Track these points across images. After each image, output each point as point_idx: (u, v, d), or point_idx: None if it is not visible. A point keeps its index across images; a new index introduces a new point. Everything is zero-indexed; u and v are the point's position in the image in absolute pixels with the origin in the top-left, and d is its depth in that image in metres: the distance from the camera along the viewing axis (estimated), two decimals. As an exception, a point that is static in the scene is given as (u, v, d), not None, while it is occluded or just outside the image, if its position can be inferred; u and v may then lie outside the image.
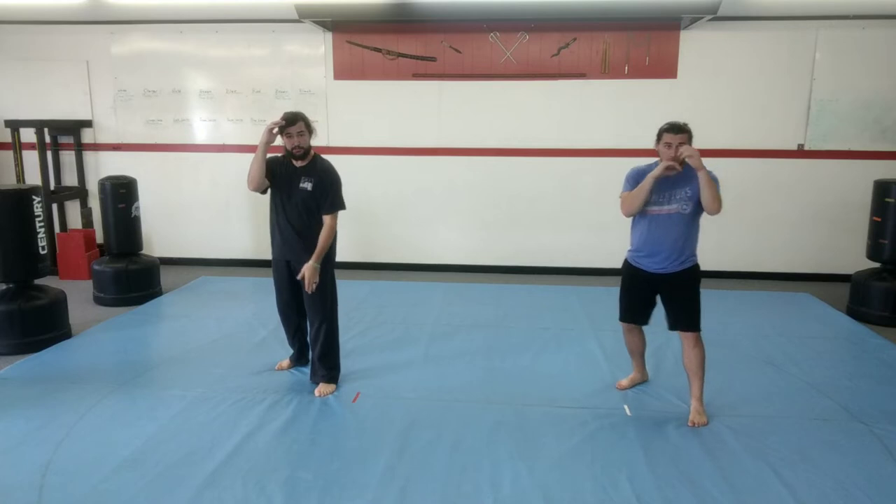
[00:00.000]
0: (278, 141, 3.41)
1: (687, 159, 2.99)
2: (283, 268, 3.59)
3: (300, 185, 3.41)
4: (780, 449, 2.97)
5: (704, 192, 3.02)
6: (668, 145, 3.08)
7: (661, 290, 3.29)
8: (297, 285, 3.53)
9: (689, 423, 3.19)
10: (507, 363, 4.01)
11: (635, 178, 3.21)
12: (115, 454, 2.87)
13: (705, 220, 3.18)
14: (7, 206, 4.12)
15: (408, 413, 3.31)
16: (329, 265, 3.54)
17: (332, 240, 3.49)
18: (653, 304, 3.38)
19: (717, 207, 3.04)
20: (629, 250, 3.37)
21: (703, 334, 3.24)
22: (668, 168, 3.06)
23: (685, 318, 3.24)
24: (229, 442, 2.98)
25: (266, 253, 3.79)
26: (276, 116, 3.44)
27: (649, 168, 3.18)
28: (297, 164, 3.44)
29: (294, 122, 3.37)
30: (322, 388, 3.54)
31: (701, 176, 3.00)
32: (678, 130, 3.08)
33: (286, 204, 3.47)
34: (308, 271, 3.37)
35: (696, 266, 3.25)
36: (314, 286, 3.40)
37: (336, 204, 3.48)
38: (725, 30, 5.74)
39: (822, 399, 3.53)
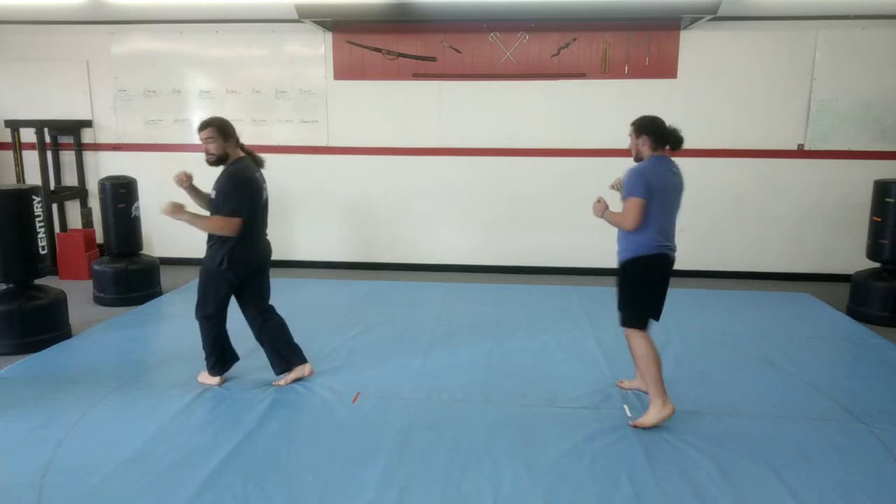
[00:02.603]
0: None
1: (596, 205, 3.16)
2: None
3: (212, 195, 3.30)
4: (780, 449, 2.97)
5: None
6: None
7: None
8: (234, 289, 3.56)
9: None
10: (507, 363, 4.01)
11: (648, 184, 3.02)
12: (115, 454, 2.87)
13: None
14: (7, 206, 4.13)
15: (407, 413, 3.31)
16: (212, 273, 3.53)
17: (209, 227, 3.30)
18: None
19: (628, 227, 3.09)
20: (655, 244, 3.07)
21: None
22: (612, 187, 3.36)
23: None
24: (229, 442, 2.99)
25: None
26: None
27: (645, 169, 3.10)
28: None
29: (203, 129, 3.34)
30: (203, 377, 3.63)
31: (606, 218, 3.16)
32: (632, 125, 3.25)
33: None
34: (168, 205, 3.24)
35: None
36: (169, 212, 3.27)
37: (221, 206, 3.25)
38: (725, 30, 5.74)
39: (822, 399, 3.53)
